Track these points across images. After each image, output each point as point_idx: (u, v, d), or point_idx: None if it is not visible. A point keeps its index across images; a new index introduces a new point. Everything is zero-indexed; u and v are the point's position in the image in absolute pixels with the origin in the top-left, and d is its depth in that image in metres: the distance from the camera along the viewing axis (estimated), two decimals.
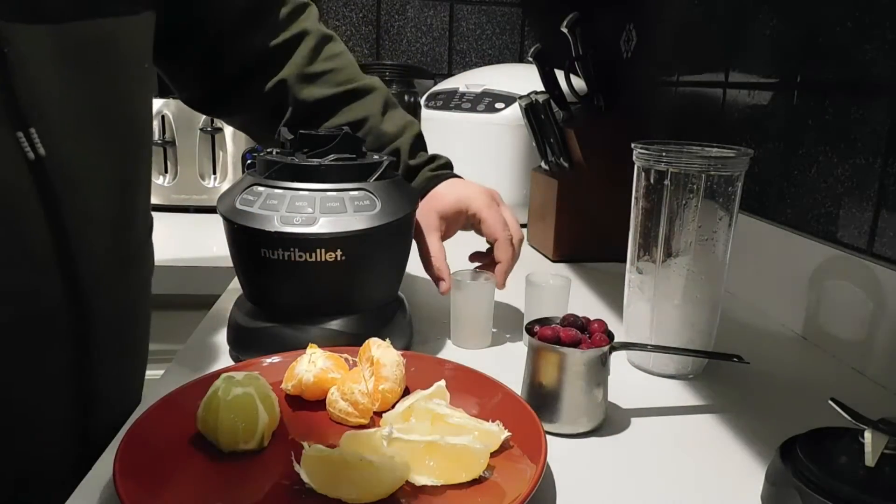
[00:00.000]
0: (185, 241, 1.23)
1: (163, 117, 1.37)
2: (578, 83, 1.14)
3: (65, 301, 0.54)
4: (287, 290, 0.65)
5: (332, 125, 0.77)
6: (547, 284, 0.72)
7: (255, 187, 0.64)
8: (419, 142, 0.81)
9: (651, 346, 0.65)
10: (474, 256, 0.80)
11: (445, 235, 0.76)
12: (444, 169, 0.80)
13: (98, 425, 0.60)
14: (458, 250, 1.18)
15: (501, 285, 0.74)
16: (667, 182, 0.64)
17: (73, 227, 0.53)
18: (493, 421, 0.51)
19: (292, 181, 0.63)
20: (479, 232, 0.77)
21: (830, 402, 0.46)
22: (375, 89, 0.80)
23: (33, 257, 0.51)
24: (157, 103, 1.37)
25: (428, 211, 0.75)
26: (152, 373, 0.72)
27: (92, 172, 0.55)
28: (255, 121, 0.82)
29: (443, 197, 0.76)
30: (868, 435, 0.43)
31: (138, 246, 0.65)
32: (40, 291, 0.52)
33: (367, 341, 0.59)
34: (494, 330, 0.75)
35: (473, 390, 0.57)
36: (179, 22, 0.70)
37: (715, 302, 0.67)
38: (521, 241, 0.76)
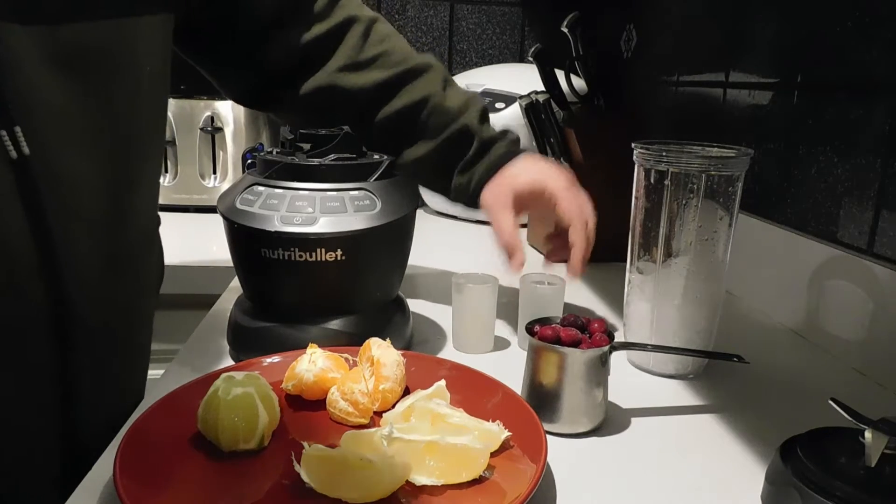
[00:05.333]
0: (185, 241, 1.23)
1: None
2: (578, 83, 1.14)
3: (47, 302, 0.53)
4: (287, 290, 0.65)
5: (393, 110, 0.75)
6: (542, 286, 0.72)
7: (255, 187, 0.64)
8: (485, 115, 0.78)
9: (651, 346, 0.65)
10: (550, 237, 0.77)
11: (518, 213, 0.73)
12: (517, 145, 0.77)
13: (87, 428, 0.59)
14: (457, 254, 1.18)
15: (578, 271, 0.70)
16: (667, 182, 0.64)
17: (57, 228, 0.52)
18: (493, 421, 0.51)
19: (292, 181, 0.63)
20: (550, 216, 0.74)
21: (830, 402, 0.46)
22: (432, 66, 0.77)
23: (14, 256, 0.50)
24: None
25: (502, 187, 0.72)
26: (152, 373, 0.72)
27: (80, 174, 0.54)
28: (313, 119, 0.78)
29: (518, 175, 0.73)
30: (868, 435, 0.43)
31: (132, 249, 0.63)
32: (21, 290, 0.52)
33: (367, 341, 0.59)
34: (496, 335, 0.74)
35: (473, 390, 0.57)
36: (202, 22, 0.68)
37: (715, 302, 0.67)
38: (594, 226, 0.73)
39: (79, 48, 0.51)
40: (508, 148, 0.76)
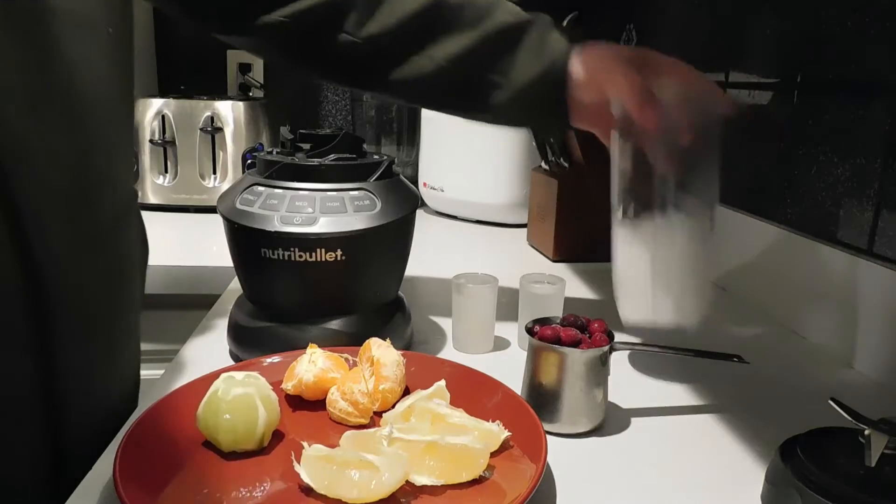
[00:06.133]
0: (185, 241, 1.23)
1: (163, 117, 1.37)
2: None
3: (18, 281, 0.50)
4: (287, 290, 0.65)
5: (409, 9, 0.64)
6: (541, 287, 0.72)
7: (255, 187, 0.64)
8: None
9: (651, 345, 0.65)
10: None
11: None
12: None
13: (71, 421, 0.56)
14: (457, 254, 1.18)
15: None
16: None
17: (23, 200, 0.49)
18: (493, 421, 0.51)
19: (292, 181, 0.63)
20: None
21: (830, 402, 0.46)
22: None
23: None
24: (157, 103, 1.37)
25: (601, 51, 0.63)
26: (153, 373, 0.72)
27: (41, 142, 0.51)
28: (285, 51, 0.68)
29: (612, 46, 0.63)
30: (868, 435, 0.43)
31: (107, 222, 0.60)
32: None
33: (367, 341, 0.59)
34: (496, 335, 0.74)
35: (473, 390, 0.57)
36: None
37: (710, 244, 0.64)
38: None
39: (28, 12, 0.49)
40: (572, 37, 0.66)
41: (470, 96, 0.67)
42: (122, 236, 0.63)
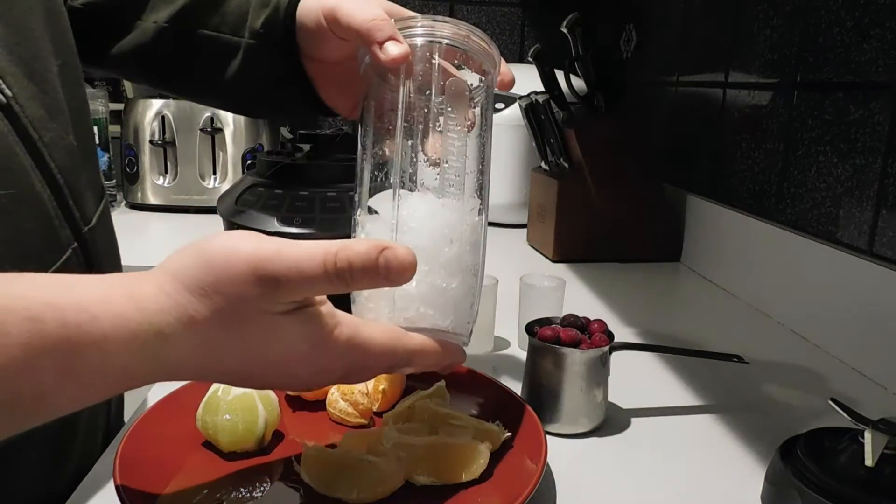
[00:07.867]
0: (185, 242, 1.23)
1: (163, 118, 1.37)
2: (578, 83, 1.14)
3: (72, 244, 0.49)
4: None
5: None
6: (542, 286, 0.72)
7: (255, 188, 0.64)
8: None
9: (651, 345, 0.65)
10: None
11: None
12: None
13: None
14: None
15: None
16: None
17: (56, 165, 0.48)
18: (493, 421, 0.51)
19: (292, 181, 0.63)
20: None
21: (830, 402, 0.46)
22: None
23: (38, 199, 0.47)
24: (157, 104, 1.37)
25: None
26: None
27: (49, 107, 0.49)
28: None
29: None
30: (868, 435, 0.43)
31: (102, 185, 0.58)
32: (48, 238, 0.48)
33: None
34: (496, 335, 0.74)
35: (473, 390, 0.57)
36: None
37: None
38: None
39: None
40: None
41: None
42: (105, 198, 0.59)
